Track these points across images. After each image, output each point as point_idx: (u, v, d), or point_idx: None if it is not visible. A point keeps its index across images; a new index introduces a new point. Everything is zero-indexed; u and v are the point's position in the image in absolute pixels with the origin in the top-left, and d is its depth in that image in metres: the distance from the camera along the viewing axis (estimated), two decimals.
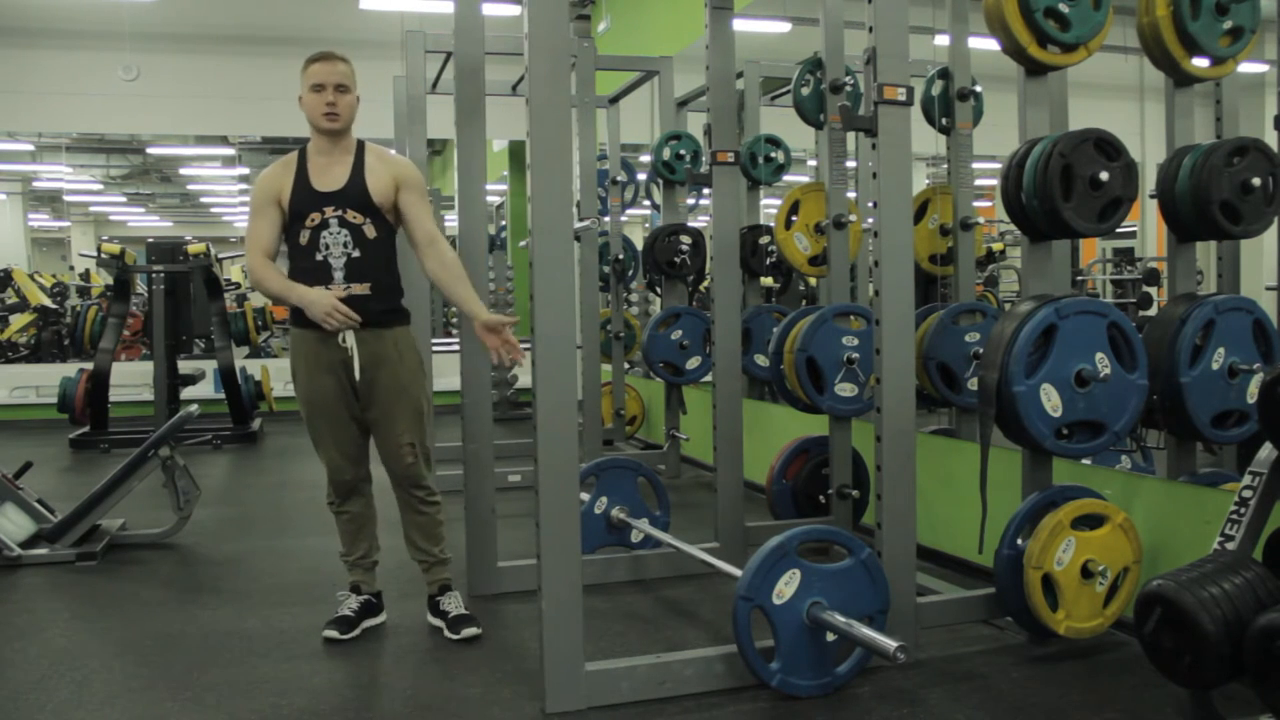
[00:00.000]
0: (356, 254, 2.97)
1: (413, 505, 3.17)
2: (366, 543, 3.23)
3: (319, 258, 2.96)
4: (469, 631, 3.09)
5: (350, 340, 2.97)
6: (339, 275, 2.96)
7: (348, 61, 3.04)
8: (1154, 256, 6.75)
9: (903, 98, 2.78)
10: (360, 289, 2.97)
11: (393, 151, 3.24)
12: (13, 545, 4.01)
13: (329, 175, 3.00)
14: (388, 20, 8.34)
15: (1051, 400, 2.74)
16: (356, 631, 3.13)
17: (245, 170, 14.22)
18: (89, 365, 7.50)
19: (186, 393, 7.60)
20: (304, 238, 2.98)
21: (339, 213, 2.97)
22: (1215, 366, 2.89)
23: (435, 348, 5.55)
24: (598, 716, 2.52)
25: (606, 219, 6.45)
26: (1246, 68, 3.10)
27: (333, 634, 3.08)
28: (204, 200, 17.39)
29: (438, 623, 3.19)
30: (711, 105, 3.81)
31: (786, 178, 5.51)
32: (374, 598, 3.24)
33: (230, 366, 7.52)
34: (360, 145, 3.07)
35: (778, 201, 4.92)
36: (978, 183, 4.11)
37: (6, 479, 4.18)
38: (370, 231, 2.99)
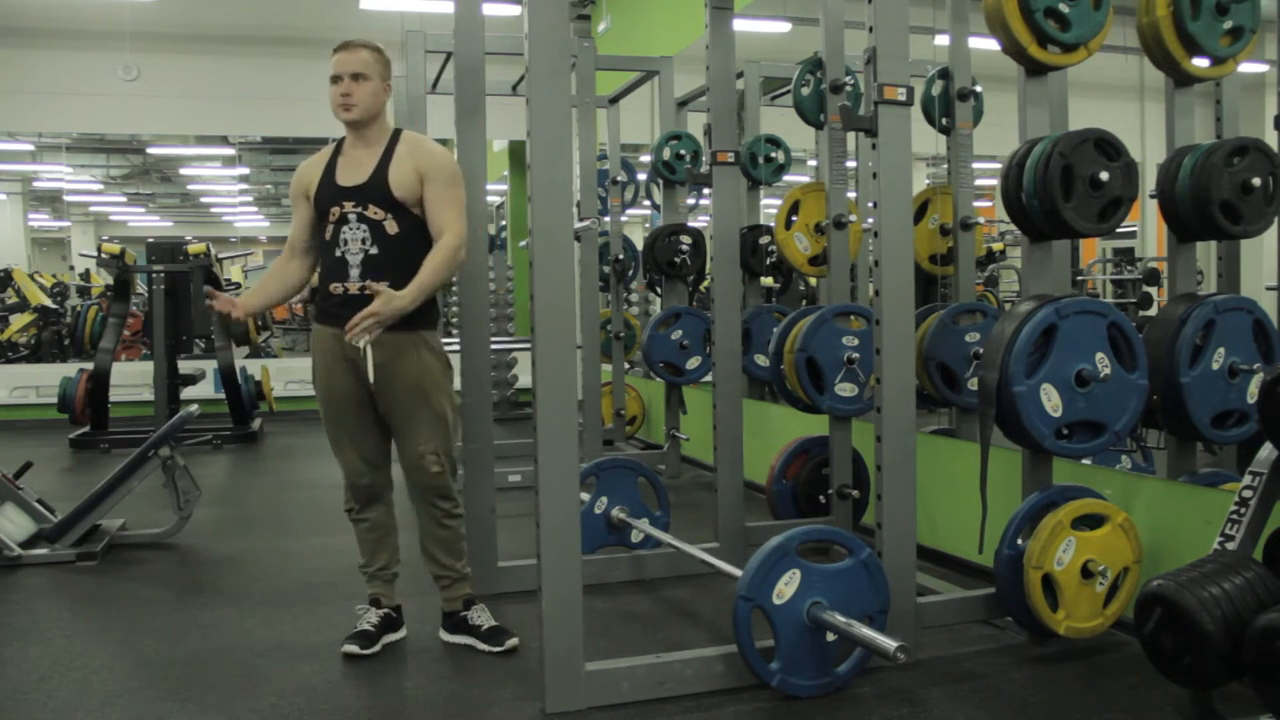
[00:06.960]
0: (375, 251, 2.85)
1: (435, 519, 2.99)
2: (387, 554, 3.07)
3: (338, 254, 2.87)
4: (511, 642, 2.95)
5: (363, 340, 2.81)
6: (354, 273, 2.85)
7: (371, 48, 2.91)
8: (1154, 256, 6.75)
9: (903, 98, 2.78)
10: (377, 288, 2.80)
11: (430, 140, 3.06)
12: (13, 545, 4.00)
13: (356, 169, 2.89)
14: (388, 20, 8.32)
15: (1052, 400, 2.74)
16: (377, 647, 2.96)
17: (245, 170, 14.23)
18: (89, 365, 7.51)
19: (186, 393, 7.60)
20: (328, 233, 2.90)
21: (359, 208, 2.85)
22: (1215, 366, 2.89)
23: None
24: (598, 716, 2.52)
25: (606, 219, 6.45)
26: (1246, 68, 3.10)
27: (353, 649, 2.91)
28: (204, 200, 17.37)
29: (463, 639, 3.02)
30: (711, 105, 3.81)
31: (786, 178, 5.51)
32: (393, 611, 3.08)
33: (230, 366, 7.53)
34: (395, 135, 2.93)
35: (778, 201, 4.92)
36: (978, 183, 4.11)
37: (6, 479, 4.17)
38: (392, 228, 2.85)
